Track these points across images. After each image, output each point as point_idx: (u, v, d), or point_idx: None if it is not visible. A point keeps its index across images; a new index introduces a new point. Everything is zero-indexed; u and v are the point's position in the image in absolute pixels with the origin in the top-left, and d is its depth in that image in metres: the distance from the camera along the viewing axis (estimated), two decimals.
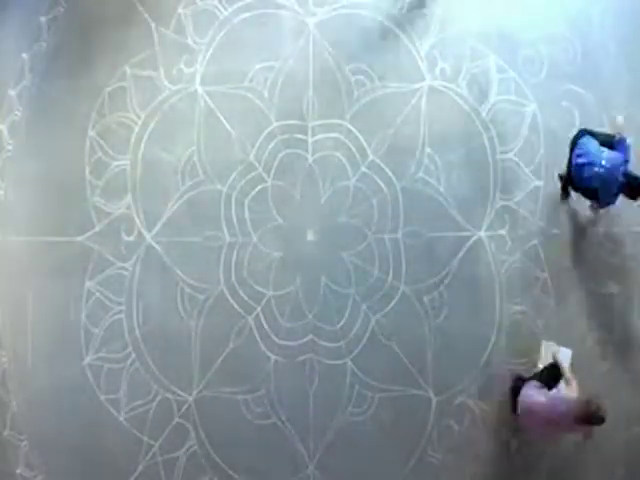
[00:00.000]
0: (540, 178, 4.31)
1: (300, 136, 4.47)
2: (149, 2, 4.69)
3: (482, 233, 4.33)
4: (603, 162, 3.75)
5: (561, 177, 4.19)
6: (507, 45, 4.40)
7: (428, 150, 4.38)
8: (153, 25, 4.65)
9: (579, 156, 3.85)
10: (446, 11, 4.43)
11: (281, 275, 4.44)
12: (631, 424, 4.23)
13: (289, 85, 4.50)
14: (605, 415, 3.36)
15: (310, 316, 4.39)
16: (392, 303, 4.34)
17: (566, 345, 4.19)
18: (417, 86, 4.41)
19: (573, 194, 4.17)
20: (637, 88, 4.35)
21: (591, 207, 4.16)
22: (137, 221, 4.59)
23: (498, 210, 4.31)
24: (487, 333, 4.27)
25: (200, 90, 4.58)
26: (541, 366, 4.02)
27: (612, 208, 4.07)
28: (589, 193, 3.91)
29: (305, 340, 4.38)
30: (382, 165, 4.40)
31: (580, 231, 4.31)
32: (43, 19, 4.84)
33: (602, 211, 4.18)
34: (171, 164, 4.58)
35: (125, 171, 4.63)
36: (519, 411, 3.78)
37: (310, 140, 4.47)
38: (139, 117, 4.63)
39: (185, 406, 4.45)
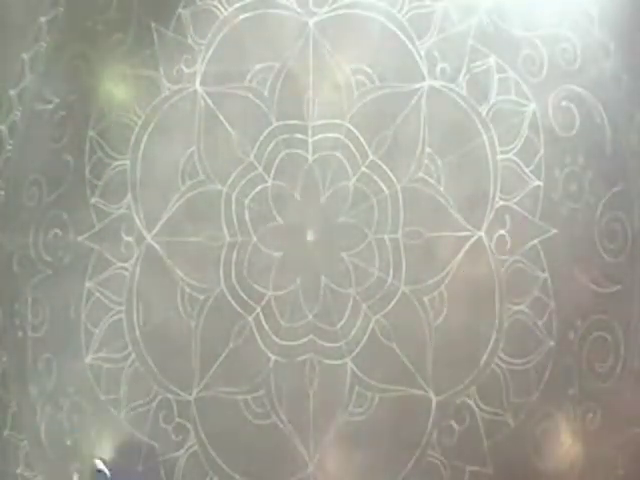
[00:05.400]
0: (540, 178, 4.30)
1: (300, 136, 4.47)
2: (149, 2, 4.69)
3: (482, 233, 4.32)
4: None
5: None
6: (507, 45, 4.38)
7: (428, 150, 4.36)
8: (153, 25, 4.66)
9: None
10: (446, 11, 4.43)
11: (281, 275, 4.44)
12: (631, 424, 4.23)
13: (289, 85, 4.49)
14: None
15: (310, 316, 4.38)
16: (392, 303, 4.33)
17: (565, 345, 4.22)
18: (417, 86, 4.40)
19: None
20: (637, 88, 4.35)
21: None
22: (137, 221, 4.59)
23: (498, 210, 4.30)
24: (487, 333, 4.27)
25: (200, 90, 4.58)
26: None
27: None
28: None
29: (305, 340, 4.38)
30: (382, 165, 4.40)
31: (580, 231, 4.31)
32: (43, 19, 4.84)
33: None
34: (171, 164, 4.58)
35: (125, 171, 4.64)
36: None
37: (310, 140, 4.46)
38: (139, 117, 4.63)
39: (185, 406, 4.45)
